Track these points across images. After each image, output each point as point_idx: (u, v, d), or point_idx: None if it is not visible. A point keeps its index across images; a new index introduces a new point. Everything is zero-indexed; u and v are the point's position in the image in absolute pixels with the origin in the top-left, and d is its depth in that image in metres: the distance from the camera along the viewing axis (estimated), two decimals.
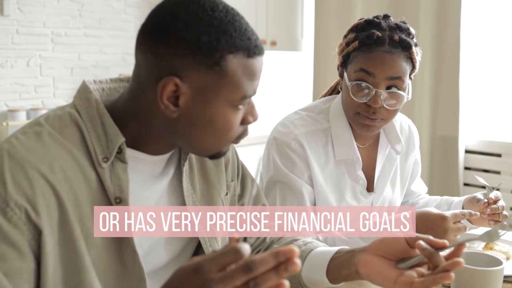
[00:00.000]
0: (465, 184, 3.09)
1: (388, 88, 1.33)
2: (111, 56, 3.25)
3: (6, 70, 2.87)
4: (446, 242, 0.88)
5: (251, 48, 0.88)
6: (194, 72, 0.86)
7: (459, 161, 3.03)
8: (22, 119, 2.81)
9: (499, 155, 3.01)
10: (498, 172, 3.02)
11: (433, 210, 1.23)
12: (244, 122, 0.95)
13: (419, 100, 3.03)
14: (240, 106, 0.92)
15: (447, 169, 3.06)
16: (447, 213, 1.19)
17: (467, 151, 3.10)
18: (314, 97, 3.50)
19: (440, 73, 3.04)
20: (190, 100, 0.88)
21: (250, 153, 2.89)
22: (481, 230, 1.49)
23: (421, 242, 0.88)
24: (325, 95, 1.60)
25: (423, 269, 0.88)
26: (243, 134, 0.97)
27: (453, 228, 1.18)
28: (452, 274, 0.83)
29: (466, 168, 3.10)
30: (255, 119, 0.96)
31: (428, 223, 1.20)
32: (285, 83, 3.94)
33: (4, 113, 2.86)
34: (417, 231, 1.19)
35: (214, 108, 0.89)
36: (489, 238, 0.95)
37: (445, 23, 2.98)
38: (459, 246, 0.87)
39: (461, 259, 0.84)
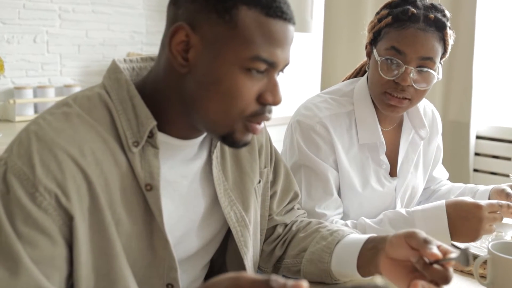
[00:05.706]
0: (475, 170, 3.06)
1: (418, 67, 1.29)
2: (119, 34, 3.19)
3: (12, 46, 2.81)
4: (438, 255, 0.83)
5: (272, 6, 0.83)
6: (205, 21, 0.83)
7: (470, 146, 3.00)
8: (29, 97, 2.76)
9: (510, 141, 2.98)
10: (508, 159, 2.99)
11: (467, 198, 1.21)
12: (262, 99, 0.86)
13: None
14: (254, 71, 0.84)
15: (457, 155, 3.03)
16: (482, 202, 1.17)
17: (477, 137, 3.06)
18: (323, 80, 3.46)
19: (453, 57, 2.98)
20: (199, 54, 0.84)
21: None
22: (505, 220, 1.46)
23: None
24: (349, 78, 1.56)
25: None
26: (260, 114, 0.87)
27: (488, 217, 1.15)
28: None
29: (477, 154, 3.07)
30: (275, 101, 0.86)
31: (462, 212, 1.17)
32: (293, 64, 3.88)
33: (11, 90, 2.81)
34: (451, 220, 1.17)
35: (222, 64, 0.83)
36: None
37: (460, 5, 2.93)
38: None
39: None
